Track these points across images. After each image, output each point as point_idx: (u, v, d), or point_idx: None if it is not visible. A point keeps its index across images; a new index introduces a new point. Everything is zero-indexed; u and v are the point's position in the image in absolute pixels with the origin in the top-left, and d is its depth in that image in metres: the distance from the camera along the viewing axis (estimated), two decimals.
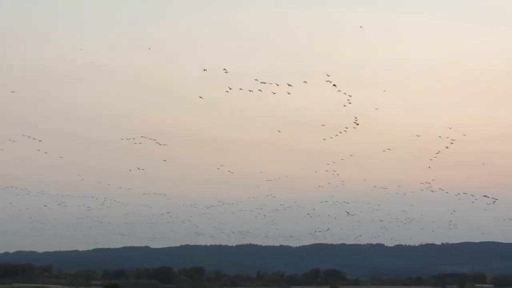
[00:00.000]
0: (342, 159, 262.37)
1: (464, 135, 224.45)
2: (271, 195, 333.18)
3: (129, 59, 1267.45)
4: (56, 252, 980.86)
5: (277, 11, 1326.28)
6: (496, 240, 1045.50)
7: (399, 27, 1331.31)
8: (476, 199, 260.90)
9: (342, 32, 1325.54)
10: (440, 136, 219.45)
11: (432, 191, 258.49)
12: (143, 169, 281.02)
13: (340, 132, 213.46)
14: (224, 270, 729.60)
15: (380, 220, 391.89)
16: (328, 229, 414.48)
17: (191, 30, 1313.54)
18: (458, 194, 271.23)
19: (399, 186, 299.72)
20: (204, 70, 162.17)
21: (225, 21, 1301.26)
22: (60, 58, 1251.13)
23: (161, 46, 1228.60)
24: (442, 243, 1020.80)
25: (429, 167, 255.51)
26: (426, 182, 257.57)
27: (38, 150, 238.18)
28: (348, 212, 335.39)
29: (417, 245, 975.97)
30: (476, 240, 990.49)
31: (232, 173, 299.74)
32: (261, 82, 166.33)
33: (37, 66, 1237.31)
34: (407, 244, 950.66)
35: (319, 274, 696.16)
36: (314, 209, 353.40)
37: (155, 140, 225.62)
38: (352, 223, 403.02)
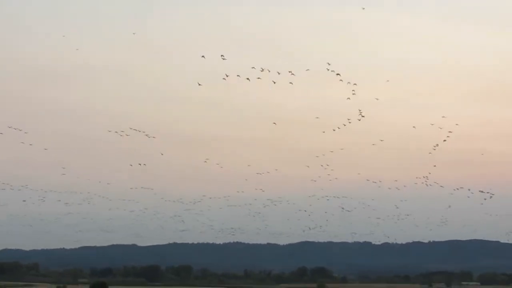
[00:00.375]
0: (331, 151, 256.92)
1: (457, 124, 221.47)
2: (260, 189, 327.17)
3: (122, 58, 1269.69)
4: (43, 250, 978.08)
5: (276, 11, 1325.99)
6: (483, 238, 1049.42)
7: (399, 27, 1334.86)
8: (472, 193, 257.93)
9: (342, 32, 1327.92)
10: (432, 124, 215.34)
11: (427, 185, 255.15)
12: (144, 164, 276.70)
13: (345, 125, 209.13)
14: (211, 268, 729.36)
15: (377, 218, 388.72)
16: (321, 226, 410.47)
17: (186, 28, 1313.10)
18: (456, 189, 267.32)
19: (396, 180, 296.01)
20: (202, 56, 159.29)
21: (223, 20, 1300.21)
22: (52, 56, 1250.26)
23: (157, 46, 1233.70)
24: (429, 241, 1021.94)
25: (435, 166, 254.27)
26: (423, 177, 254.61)
27: (22, 142, 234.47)
28: (343, 208, 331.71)
29: (404, 243, 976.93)
30: (463, 238, 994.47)
31: (221, 167, 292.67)
32: (260, 70, 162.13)
33: (29, 65, 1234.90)
34: (395, 242, 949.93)
35: (306, 272, 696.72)
36: (311, 205, 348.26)
37: (144, 132, 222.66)
38: (341, 221, 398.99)
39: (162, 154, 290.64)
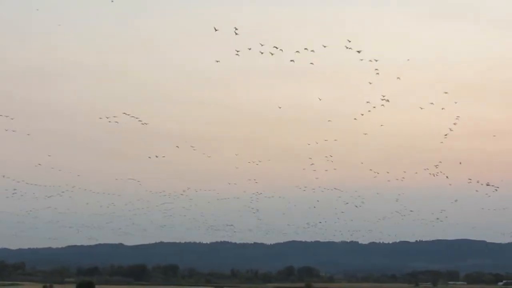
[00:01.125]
0: (325, 140, 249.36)
1: (456, 102, 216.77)
2: (254, 180, 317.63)
3: (117, 57, 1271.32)
4: (29, 249, 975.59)
5: (285, 12, 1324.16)
6: (469, 238, 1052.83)
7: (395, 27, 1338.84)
8: (482, 184, 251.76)
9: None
10: (432, 103, 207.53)
11: (434, 175, 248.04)
12: (163, 156, 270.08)
13: (369, 111, 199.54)
14: (198, 267, 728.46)
15: (386, 218, 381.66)
16: (320, 222, 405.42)
17: (179, 28, 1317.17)
18: (467, 181, 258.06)
19: (405, 171, 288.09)
20: (216, 30, 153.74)
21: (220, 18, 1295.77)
22: (42, 55, 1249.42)
23: (153, 46, 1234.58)
24: (416, 241, 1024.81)
25: (461, 163, 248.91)
26: (434, 166, 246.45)
27: (6, 130, 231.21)
28: (347, 203, 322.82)
29: (391, 242, 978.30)
30: (450, 237, 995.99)
31: (209, 156, 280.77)
32: (274, 47, 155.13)
33: (18, 63, 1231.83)
34: (381, 242, 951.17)
35: (293, 272, 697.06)
36: (318, 201, 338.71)
37: (137, 118, 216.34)
38: (340, 218, 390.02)
39: (178, 147, 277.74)
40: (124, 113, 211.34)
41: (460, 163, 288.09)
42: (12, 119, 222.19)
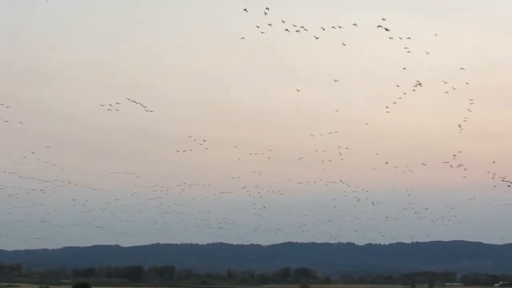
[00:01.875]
0: (329, 133, 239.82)
1: (467, 83, 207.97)
2: (258, 172, 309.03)
3: (112, 57, 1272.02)
4: (25, 250, 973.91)
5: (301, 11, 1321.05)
6: (465, 239, 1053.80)
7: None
8: (499, 177, 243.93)
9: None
10: (445, 81, 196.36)
11: (452, 166, 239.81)
12: (191, 150, 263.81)
13: (400, 97, 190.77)
14: (194, 269, 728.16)
15: (398, 216, 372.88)
16: (329, 220, 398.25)
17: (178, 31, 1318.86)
18: (493, 177, 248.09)
19: (423, 164, 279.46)
20: (245, 10, 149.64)
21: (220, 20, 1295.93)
22: (37, 56, 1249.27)
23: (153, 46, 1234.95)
24: (413, 242, 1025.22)
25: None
26: (452, 155, 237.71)
27: None
28: (373, 203, 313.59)
29: (387, 244, 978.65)
30: (446, 238, 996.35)
31: (206, 148, 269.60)
32: (301, 26, 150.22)
33: (14, 65, 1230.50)
34: (378, 243, 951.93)
35: (289, 273, 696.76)
36: (334, 199, 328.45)
37: (142, 104, 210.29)
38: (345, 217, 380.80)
39: (176, 144, 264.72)
40: (128, 98, 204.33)
41: (494, 162, 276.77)
42: (7, 107, 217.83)
